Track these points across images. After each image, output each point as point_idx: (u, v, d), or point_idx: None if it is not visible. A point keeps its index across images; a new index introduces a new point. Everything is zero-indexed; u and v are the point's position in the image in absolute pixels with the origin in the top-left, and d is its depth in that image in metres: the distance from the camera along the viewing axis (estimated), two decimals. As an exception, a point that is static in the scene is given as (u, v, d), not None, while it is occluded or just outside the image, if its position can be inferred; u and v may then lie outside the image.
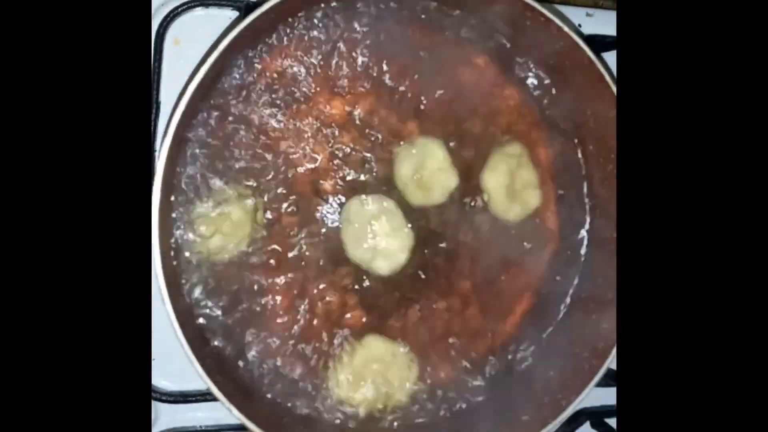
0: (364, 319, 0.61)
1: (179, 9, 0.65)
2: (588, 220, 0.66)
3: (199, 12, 0.66)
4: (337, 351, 0.60)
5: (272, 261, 0.60)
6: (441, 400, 0.61)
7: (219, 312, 0.58)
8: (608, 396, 0.66)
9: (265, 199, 0.60)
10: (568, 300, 0.65)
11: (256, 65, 0.60)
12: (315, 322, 0.60)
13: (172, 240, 0.57)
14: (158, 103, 0.64)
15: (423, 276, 0.62)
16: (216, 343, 0.58)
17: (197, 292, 0.58)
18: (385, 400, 0.58)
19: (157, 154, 0.52)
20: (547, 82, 0.65)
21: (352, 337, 0.60)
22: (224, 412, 0.53)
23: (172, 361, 0.63)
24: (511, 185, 0.63)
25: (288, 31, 0.60)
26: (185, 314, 0.55)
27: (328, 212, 0.62)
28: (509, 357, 0.63)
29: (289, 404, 0.58)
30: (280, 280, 0.60)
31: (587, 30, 0.73)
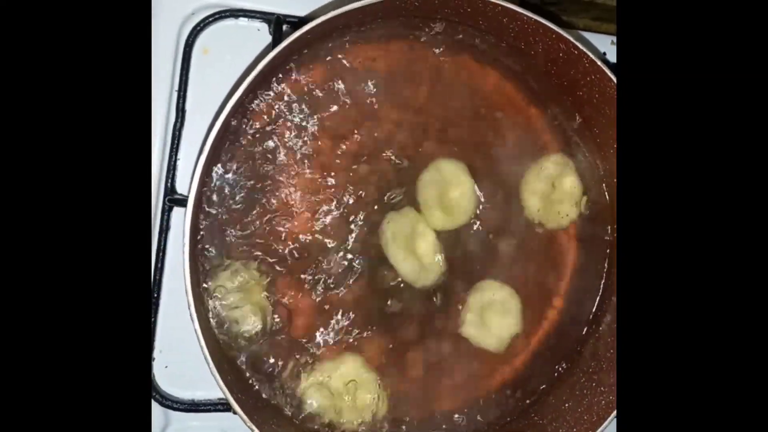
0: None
1: (209, 19, 0.65)
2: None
3: (228, 23, 0.66)
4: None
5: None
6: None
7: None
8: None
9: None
10: (584, 331, 0.65)
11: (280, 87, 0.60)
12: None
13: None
14: (183, 111, 0.64)
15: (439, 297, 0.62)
16: (239, 359, 0.58)
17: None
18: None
19: (195, 161, 0.52)
20: (572, 110, 0.65)
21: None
22: (233, 421, 0.53)
23: (184, 370, 0.64)
24: (549, 195, 0.63)
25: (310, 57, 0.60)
26: (208, 328, 0.55)
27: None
28: (518, 394, 0.63)
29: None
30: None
31: (613, 58, 0.73)
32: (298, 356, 0.59)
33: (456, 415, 0.61)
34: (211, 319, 0.56)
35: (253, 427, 0.49)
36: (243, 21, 0.66)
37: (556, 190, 0.64)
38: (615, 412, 0.54)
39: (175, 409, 0.63)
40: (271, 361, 0.58)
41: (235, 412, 0.51)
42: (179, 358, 0.64)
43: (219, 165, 0.58)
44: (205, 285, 0.56)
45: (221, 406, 0.63)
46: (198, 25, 0.65)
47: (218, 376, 0.48)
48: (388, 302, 0.61)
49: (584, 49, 0.55)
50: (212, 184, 0.57)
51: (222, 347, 0.56)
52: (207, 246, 0.57)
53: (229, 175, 0.58)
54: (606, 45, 0.75)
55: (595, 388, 0.59)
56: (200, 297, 0.55)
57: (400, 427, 0.60)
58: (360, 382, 0.58)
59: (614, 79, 0.55)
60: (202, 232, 0.57)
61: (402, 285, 0.61)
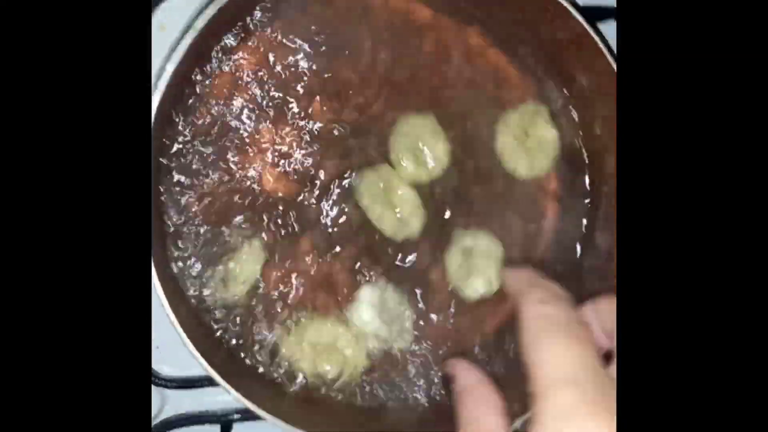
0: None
1: (164, -6, 0.64)
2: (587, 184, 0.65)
3: (183, -3, 0.65)
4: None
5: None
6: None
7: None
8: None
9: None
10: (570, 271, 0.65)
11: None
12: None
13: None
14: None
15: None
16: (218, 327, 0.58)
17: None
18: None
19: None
20: (540, 53, 0.64)
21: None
22: (229, 396, 0.53)
23: (177, 348, 0.64)
24: (524, 142, 0.63)
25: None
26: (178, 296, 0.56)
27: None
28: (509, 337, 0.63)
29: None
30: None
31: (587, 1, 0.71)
32: (279, 318, 0.59)
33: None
34: (188, 288, 0.57)
35: (231, 390, 0.51)
36: (198, -7, 0.65)
37: (530, 138, 0.63)
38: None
39: (169, 388, 0.64)
40: (253, 325, 0.58)
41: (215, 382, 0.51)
42: (171, 337, 0.64)
43: (177, 133, 0.58)
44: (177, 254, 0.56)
45: (215, 381, 0.63)
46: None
47: (188, 340, 0.49)
48: (370, 258, 0.61)
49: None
50: (171, 153, 0.57)
51: (198, 313, 0.57)
52: (172, 216, 0.57)
53: (187, 143, 0.58)
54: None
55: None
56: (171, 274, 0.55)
57: (389, 379, 0.61)
58: (344, 339, 0.58)
59: (572, 11, 0.54)
60: (167, 205, 0.57)
61: (382, 240, 0.61)
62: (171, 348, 0.64)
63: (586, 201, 0.65)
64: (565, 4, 0.55)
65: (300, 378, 0.59)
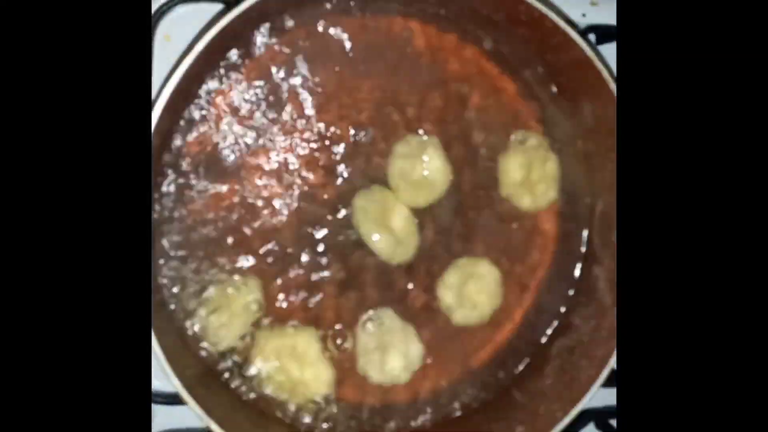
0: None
1: (169, 4, 0.64)
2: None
3: (189, 7, 0.64)
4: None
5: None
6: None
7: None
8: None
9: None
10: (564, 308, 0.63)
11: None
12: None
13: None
14: (149, 101, 0.63)
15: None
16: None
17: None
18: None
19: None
20: (546, 77, 0.63)
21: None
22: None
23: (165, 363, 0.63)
24: (528, 176, 0.61)
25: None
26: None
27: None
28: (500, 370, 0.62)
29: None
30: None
31: (591, 20, 0.70)
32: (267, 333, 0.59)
33: (435, 395, 0.61)
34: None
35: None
36: (204, 5, 0.65)
37: (533, 169, 0.62)
38: (595, 387, 0.54)
39: (157, 403, 0.63)
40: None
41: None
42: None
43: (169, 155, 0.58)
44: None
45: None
46: (158, 11, 0.63)
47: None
48: (364, 281, 0.60)
49: (544, 10, 0.52)
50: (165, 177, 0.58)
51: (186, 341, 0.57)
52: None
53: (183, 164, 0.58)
54: (585, 6, 0.72)
55: (576, 362, 0.58)
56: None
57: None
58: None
59: (576, 39, 0.53)
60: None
61: (378, 263, 0.60)
62: (157, 361, 0.64)
63: (585, 235, 0.64)
64: (566, 29, 0.54)
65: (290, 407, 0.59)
